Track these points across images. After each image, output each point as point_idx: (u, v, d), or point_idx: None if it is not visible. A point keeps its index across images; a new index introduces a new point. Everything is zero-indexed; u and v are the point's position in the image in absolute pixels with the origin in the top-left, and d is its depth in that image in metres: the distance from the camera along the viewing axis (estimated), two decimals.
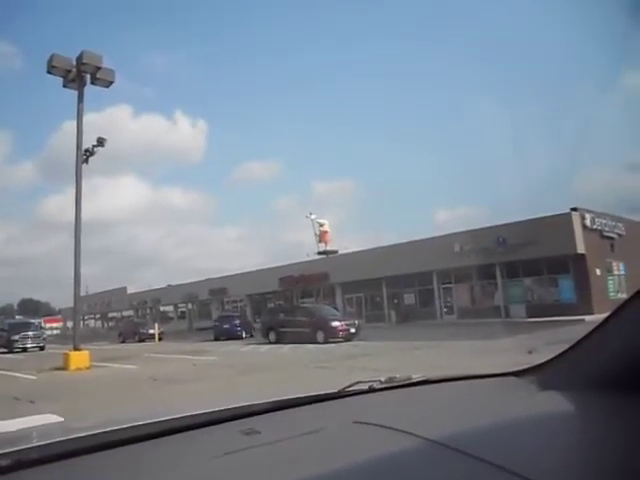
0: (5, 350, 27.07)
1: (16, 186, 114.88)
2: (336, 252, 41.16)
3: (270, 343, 21.71)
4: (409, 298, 33.69)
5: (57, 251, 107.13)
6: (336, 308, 28.77)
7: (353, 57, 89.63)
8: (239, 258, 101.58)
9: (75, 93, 16.63)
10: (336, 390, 1.47)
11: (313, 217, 44.70)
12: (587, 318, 19.77)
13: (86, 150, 16.59)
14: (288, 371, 11.58)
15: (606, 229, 27.50)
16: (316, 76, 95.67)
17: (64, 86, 16.60)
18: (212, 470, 0.95)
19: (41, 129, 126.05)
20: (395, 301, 34.26)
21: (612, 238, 27.77)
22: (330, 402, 1.43)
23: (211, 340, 26.78)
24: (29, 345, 27.65)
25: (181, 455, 1.04)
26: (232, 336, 27.01)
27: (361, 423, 1.13)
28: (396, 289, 33.97)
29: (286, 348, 18.68)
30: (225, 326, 28.26)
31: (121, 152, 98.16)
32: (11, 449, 0.97)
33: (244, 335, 27.67)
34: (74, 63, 16.31)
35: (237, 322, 28.89)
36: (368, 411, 1.28)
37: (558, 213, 25.72)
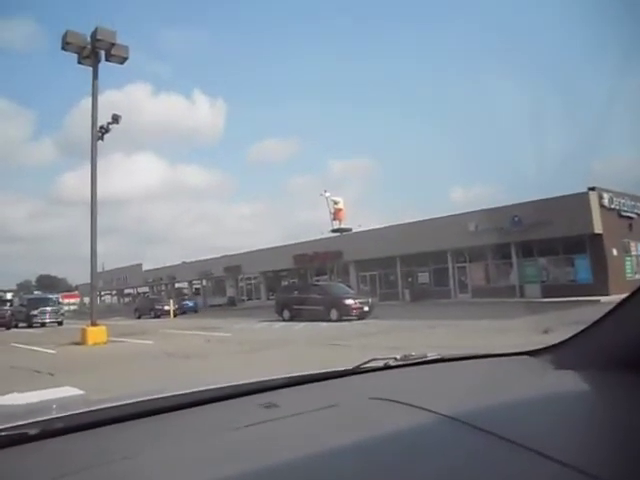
0: (24, 325, 27.63)
1: (35, 163, 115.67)
2: (350, 230, 41.08)
3: (284, 320, 21.84)
4: (423, 277, 33.63)
5: (74, 227, 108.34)
6: (350, 286, 28.83)
7: (370, 36, 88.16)
8: (254, 236, 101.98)
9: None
10: (352, 367, 1.49)
11: (328, 195, 44.53)
12: (603, 299, 19.57)
13: (101, 127, 16.67)
14: (302, 348, 11.67)
15: (624, 209, 27.05)
16: (333, 55, 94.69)
17: (79, 62, 16.61)
18: (233, 441, 0.97)
19: (59, 107, 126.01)
20: (409, 279, 34.24)
21: (631, 218, 27.33)
22: (346, 378, 1.45)
23: (224, 317, 27.09)
24: (47, 320, 28.19)
25: (202, 426, 1.07)
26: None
27: (377, 399, 1.14)
28: (410, 267, 33.92)
29: (300, 326, 18.76)
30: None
31: (138, 130, 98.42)
32: (35, 419, 1.01)
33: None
34: (89, 40, 16.32)
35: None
36: (384, 387, 1.29)
37: (575, 192, 25.37)
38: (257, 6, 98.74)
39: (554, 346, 1.40)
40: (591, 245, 25.80)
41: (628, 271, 26.55)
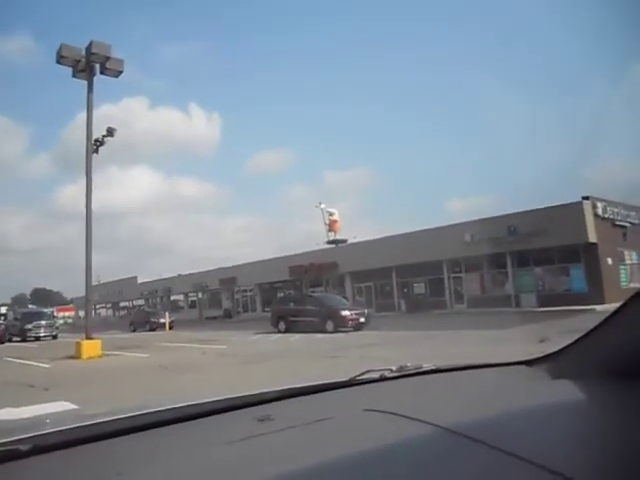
0: (19, 339, 27.43)
1: (31, 176, 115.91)
2: (345, 241, 41.13)
3: (280, 332, 21.76)
4: (419, 287, 33.62)
5: (70, 241, 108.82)
6: (345, 297, 28.81)
7: (367, 50, 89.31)
8: (249, 247, 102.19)
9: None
10: (347, 379, 1.48)
11: (323, 206, 44.68)
12: (598, 308, 19.64)
13: (96, 140, 16.67)
14: (298, 360, 11.62)
15: (618, 218, 27.22)
16: (330, 68, 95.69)
17: (73, 76, 16.66)
18: (228, 455, 0.96)
19: (56, 120, 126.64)
20: (405, 290, 34.22)
21: (624, 227, 27.49)
22: (341, 390, 1.44)
23: (220, 329, 27.04)
24: (42, 334, 27.97)
25: (197, 441, 1.06)
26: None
27: (372, 411, 1.13)
28: (406, 278, 33.89)
29: (295, 337, 18.71)
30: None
31: (135, 143, 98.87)
32: (28, 434, 0.99)
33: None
34: (83, 53, 16.39)
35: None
36: (379, 399, 1.28)
37: (569, 202, 25.52)
38: (252, 20, 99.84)
39: (550, 355, 1.39)
40: (586, 254, 25.89)
41: (623, 280, 26.65)
